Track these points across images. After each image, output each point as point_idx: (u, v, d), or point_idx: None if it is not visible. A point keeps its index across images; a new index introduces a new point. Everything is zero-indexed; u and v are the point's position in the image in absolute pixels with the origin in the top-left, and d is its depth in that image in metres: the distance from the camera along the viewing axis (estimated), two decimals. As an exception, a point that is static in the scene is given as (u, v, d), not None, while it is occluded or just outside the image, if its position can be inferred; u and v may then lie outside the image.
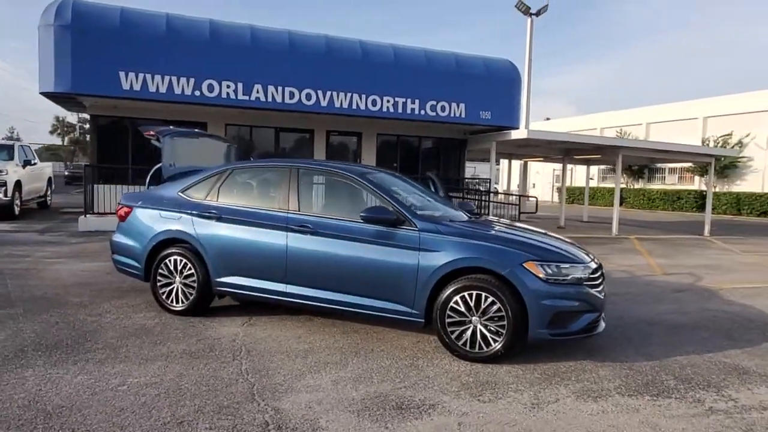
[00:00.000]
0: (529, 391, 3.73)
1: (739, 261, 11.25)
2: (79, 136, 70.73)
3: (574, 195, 38.18)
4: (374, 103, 13.61)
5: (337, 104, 13.21)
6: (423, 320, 4.40)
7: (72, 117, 67.01)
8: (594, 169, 38.59)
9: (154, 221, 5.33)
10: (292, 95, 12.77)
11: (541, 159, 21.80)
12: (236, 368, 3.93)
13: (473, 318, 4.21)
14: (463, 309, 4.23)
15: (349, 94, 13.31)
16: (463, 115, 14.67)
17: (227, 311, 5.46)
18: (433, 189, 9.73)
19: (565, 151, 18.99)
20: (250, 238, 4.90)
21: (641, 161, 20.83)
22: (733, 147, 30.85)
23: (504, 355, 4.18)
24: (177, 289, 5.20)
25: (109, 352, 4.14)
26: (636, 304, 6.59)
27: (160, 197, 5.45)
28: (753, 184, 31.62)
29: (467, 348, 4.24)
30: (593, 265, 4.42)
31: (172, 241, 5.26)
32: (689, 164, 32.62)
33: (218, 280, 5.06)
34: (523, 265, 4.13)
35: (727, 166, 31.66)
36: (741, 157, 30.79)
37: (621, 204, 37.30)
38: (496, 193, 16.70)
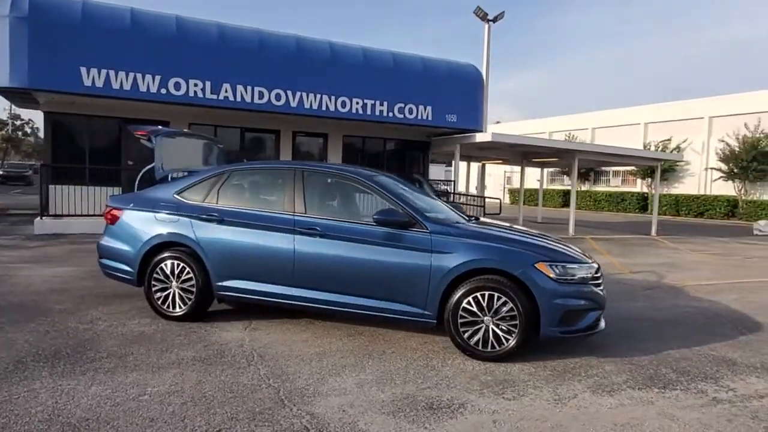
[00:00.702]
0: (547, 387, 3.87)
1: (691, 259, 11.96)
2: (12, 133, 66.70)
3: (524, 196, 39.35)
4: (344, 104, 13.59)
5: (306, 105, 13.10)
6: (435, 321, 4.46)
7: (2, 113, 63.06)
8: (544, 172, 40.03)
9: (148, 224, 5.14)
10: (261, 95, 12.57)
11: (500, 162, 22.38)
12: (255, 374, 3.86)
13: (485, 318, 4.31)
14: (475, 309, 4.32)
15: (318, 95, 13.23)
16: (429, 118, 14.87)
17: (224, 316, 5.34)
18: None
19: (523, 154, 19.59)
20: (255, 241, 4.82)
21: (591, 164, 21.75)
22: (671, 152, 32.66)
23: (514, 353, 4.31)
24: (174, 294, 5.04)
25: (116, 361, 3.97)
26: (614, 302, 6.90)
27: (154, 199, 5.26)
28: (690, 186, 33.61)
29: (479, 347, 4.34)
30: (595, 265, 4.62)
31: (168, 244, 5.09)
32: (632, 168, 34.30)
33: (220, 284, 4.95)
34: (535, 265, 4.27)
35: (666, 169, 33.44)
36: (679, 162, 32.60)
37: (569, 205, 38.90)
38: (461, 194, 17.01)
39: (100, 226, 12.01)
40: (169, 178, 5.79)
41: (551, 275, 4.25)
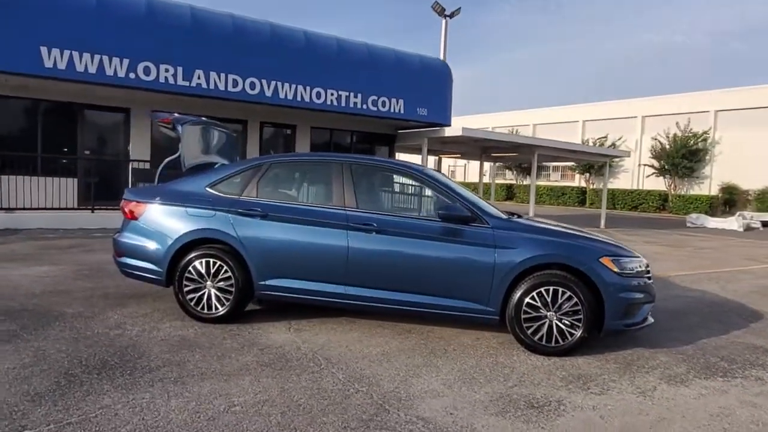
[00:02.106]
0: (623, 380, 3.92)
1: (651, 251, 12.62)
2: None
3: (471, 190, 40.24)
4: (318, 95, 13.25)
5: (281, 95, 12.66)
6: (498, 317, 4.42)
7: None
8: (487, 166, 41.08)
9: (178, 220, 4.75)
10: (235, 83, 12.01)
11: (457, 156, 22.69)
12: (334, 378, 3.66)
13: (548, 313, 4.31)
14: (539, 304, 4.31)
15: (293, 85, 12.82)
16: (402, 111, 14.81)
17: (258, 317, 5.04)
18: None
19: (483, 148, 19.96)
20: (304, 238, 4.56)
21: (546, 159, 22.53)
22: (608, 149, 34.44)
23: (577, 348, 4.34)
24: (209, 295, 4.69)
25: (177, 370, 3.64)
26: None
27: (183, 193, 4.87)
28: (624, 182, 35.61)
29: (543, 342, 4.33)
30: (644, 259, 4.73)
31: (202, 241, 4.73)
32: (572, 163, 35.87)
33: (263, 283, 4.65)
34: (600, 260, 4.31)
35: (603, 165, 35.24)
36: (618, 158, 34.46)
37: (512, 199, 40.12)
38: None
39: (58, 221, 11.17)
40: (185, 170, 5.36)
41: (615, 269, 4.31)
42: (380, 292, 4.51)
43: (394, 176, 4.86)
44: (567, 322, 4.31)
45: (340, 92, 13.56)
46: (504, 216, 4.76)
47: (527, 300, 4.31)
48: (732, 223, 22.78)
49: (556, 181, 39.79)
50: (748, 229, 22.68)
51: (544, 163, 39.93)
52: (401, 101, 14.73)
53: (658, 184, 33.02)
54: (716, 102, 31.18)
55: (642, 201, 32.65)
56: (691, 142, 31.14)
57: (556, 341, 4.32)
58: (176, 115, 5.46)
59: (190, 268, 4.69)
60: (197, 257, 4.68)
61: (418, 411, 3.21)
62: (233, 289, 4.65)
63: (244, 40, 12.12)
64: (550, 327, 4.32)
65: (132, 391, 3.27)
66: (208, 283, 4.69)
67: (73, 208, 11.55)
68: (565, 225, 5.40)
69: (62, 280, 6.14)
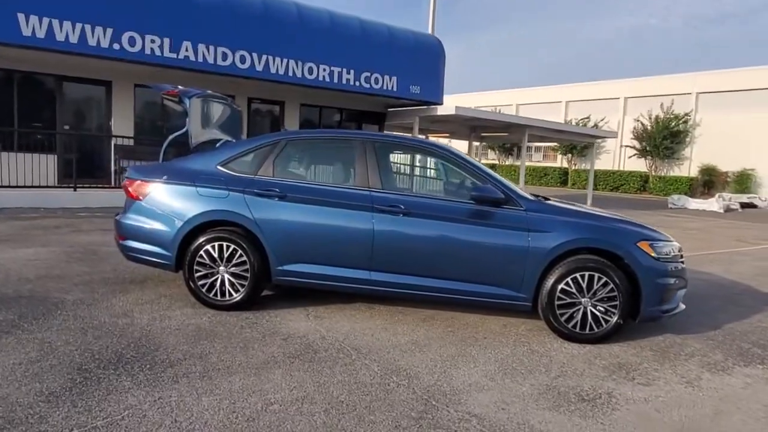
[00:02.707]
0: (665, 369, 3.79)
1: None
2: None
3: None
4: (310, 71, 12.80)
5: (273, 69, 12.17)
6: (530, 304, 4.24)
7: None
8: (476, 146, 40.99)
9: (189, 200, 4.41)
10: (225, 57, 11.48)
11: (446, 135, 22.45)
12: (370, 370, 3.43)
13: (583, 299, 4.15)
14: (574, 290, 4.14)
15: (285, 60, 12.33)
16: (394, 89, 14.44)
17: (271, 303, 4.77)
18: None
19: (472, 128, 19.75)
20: (326, 221, 4.29)
21: (534, 139, 22.46)
22: (595, 129, 34.59)
23: (611, 335, 4.20)
24: (223, 281, 4.40)
25: (200, 363, 3.36)
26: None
27: (193, 171, 4.52)
28: (606, 162, 35.88)
29: (577, 330, 4.17)
30: (677, 243, 4.59)
31: (214, 224, 4.42)
32: (554, 144, 35.96)
33: (281, 268, 4.38)
34: (637, 244, 4.14)
35: (585, 146, 35.40)
36: (601, 138, 34.65)
37: (494, 179, 40.18)
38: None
39: (38, 199, 10.59)
40: (193, 146, 5.00)
41: (652, 254, 4.15)
42: (407, 278, 4.28)
43: (420, 155, 4.59)
44: (602, 309, 4.15)
45: (332, 68, 13.12)
46: (535, 198, 4.55)
47: (561, 286, 4.13)
48: (713, 204, 23.14)
49: (538, 161, 39.94)
50: (728, 210, 23.08)
51: (527, 143, 39.99)
52: (394, 78, 14.35)
53: (639, 165, 33.35)
54: (698, 84, 31.45)
55: (623, 182, 32.98)
56: (673, 123, 31.44)
57: (591, 328, 4.17)
58: (180, 87, 5.06)
59: (202, 252, 4.38)
60: (209, 241, 4.36)
61: (468, 406, 3.02)
62: (248, 275, 4.36)
63: (235, 11, 11.56)
64: (585, 314, 4.16)
65: (156, 388, 3.00)
66: (221, 268, 4.39)
67: (53, 186, 10.98)
68: (592, 208, 5.23)
69: (55, 264, 5.75)
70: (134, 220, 4.54)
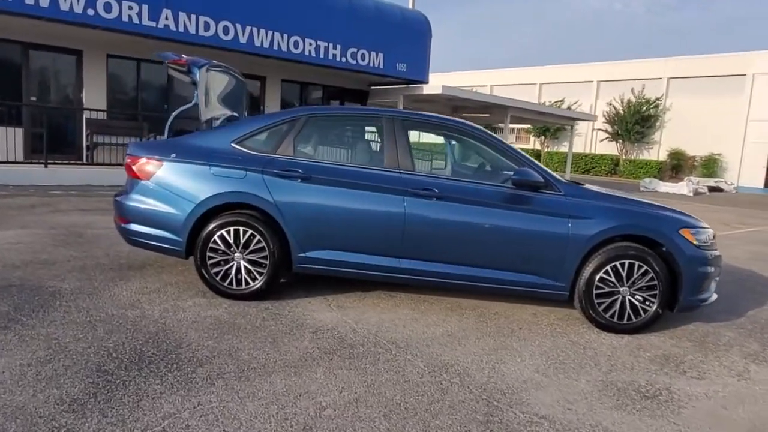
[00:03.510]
0: (711, 361, 3.67)
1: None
2: None
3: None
4: (296, 44, 12.26)
5: (257, 42, 11.60)
6: (568, 293, 4.06)
7: None
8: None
9: (201, 181, 4.03)
10: (207, 26, 10.85)
11: (425, 115, 22.16)
12: (415, 367, 3.19)
13: (622, 288, 3.99)
14: (613, 279, 3.98)
15: (270, 32, 11.76)
16: (381, 66, 14.03)
17: (288, 291, 4.46)
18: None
19: (454, 108, 19.53)
20: (353, 204, 3.98)
21: (514, 121, 22.38)
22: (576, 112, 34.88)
23: (649, 325, 4.07)
24: (239, 269, 4.06)
25: (233, 362, 3.05)
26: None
27: (205, 149, 4.13)
28: (577, 145, 36.24)
29: (615, 320, 4.02)
30: (712, 230, 4.48)
31: (230, 206, 4.06)
32: (527, 126, 36.14)
33: (303, 255, 4.07)
34: (680, 231, 4.00)
35: (558, 128, 35.72)
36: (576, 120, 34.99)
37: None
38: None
39: (6, 176, 9.85)
40: (210, 123, 4.60)
41: (694, 242, 4.02)
42: (439, 266, 4.04)
43: (452, 135, 4.32)
44: (640, 298, 4.01)
45: (318, 42, 12.61)
46: (572, 183, 4.35)
47: (600, 275, 3.96)
48: (682, 187, 23.69)
49: (511, 143, 40.05)
50: (697, 193, 23.68)
51: (500, 125, 40.13)
52: (381, 55, 13.93)
53: (610, 148, 33.87)
54: (669, 69, 31.96)
55: (594, 165, 33.47)
56: (644, 108, 31.95)
57: (629, 318, 4.02)
58: (184, 56, 4.60)
59: (215, 237, 4.02)
60: (224, 225, 4.01)
61: (532, 407, 2.81)
62: (267, 262, 4.03)
63: (217, -22, 10.91)
64: (623, 303, 4.01)
65: (192, 392, 2.68)
66: (237, 254, 4.05)
67: (21, 162, 10.25)
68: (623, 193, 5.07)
69: (40, 248, 5.27)
70: (139, 201, 4.13)
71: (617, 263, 3.96)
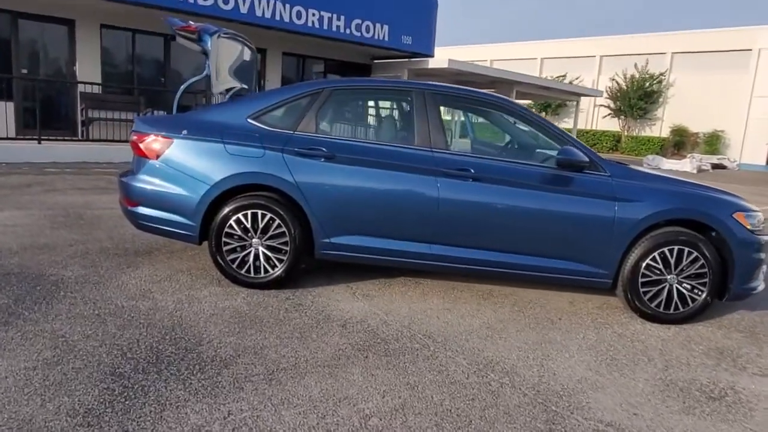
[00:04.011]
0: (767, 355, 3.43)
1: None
2: None
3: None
4: (299, 15, 11.74)
5: (258, 12, 11.09)
6: (611, 281, 3.79)
7: None
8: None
9: (216, 160, 3.70)
10: (206, -5, 10.32)
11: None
12: (458, 365, 2.92)
13: (669, 276, 3.72)
14: (660, 266, 3.70)
15: (272, 2, 11.24)
16: (386, 38, 13.53)
17: (306, 279, 4.17)
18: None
19: (457, 83, 19.03)
20: (382, 186, 3.66)
21: (523, 96, 21.92)
22: (581, 87, 34.34)
23: (696, 314, 3.82)
24: (257, 255, 3.76)
25: (260, 361, 2.77)
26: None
27: (219, 125, 3.78)
28: (579, 121, 35.80)
29: (661, 309, 3.76)
30: (761, 213, 4.19)
31: (247, 188, 3.73)
32: (528, 101, 35.59)
33: (327, 240, 3.76)
34: (733, 215, 3.71)
35: (559, 104, 35.21)
36: (582, 95, 34.52)
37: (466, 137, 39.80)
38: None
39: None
40: (215, 94, 4.24)
41: (748, 226, 3.74)
42: (474, 252, 3.74)
43: (488, 111, 3.99)
44: (688, 286, 3.74)
45: (322, 13, 12.09)
46: (616, 163, 4.04)
47: (647, 261, 3.69)
48: (686, 164, 23.42)
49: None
50: (700, 170, 23.42)
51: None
52: (386, 27, 13.42)
53: (612, 125, 33.44)
54: (673, 44, 31.37)
55: (596, 141, 33.07)
56: (647, 83, 31.44)
57: (675, 308, 3.76)
58: (191, 22, 4.21)
59: (231, 221, 3.70)
60: (240, 208, 3.69)
61: (594, 412, 2.55)
62: (287, 248, 3.73)
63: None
64: (670, 292, 3.74)
65: (219, 398, 2.40)
66: (255, 240, 3.74)
67: (13, 138, 9.81)
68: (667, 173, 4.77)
69: (38, 231, 4.94)
70: (147, 182, 3.79)
71: (665, 249, 3.67)
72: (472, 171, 3.65)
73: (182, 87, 4.23)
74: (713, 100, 29.79)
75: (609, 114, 33.09)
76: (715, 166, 25.76)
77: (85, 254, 4.35)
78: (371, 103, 4.16)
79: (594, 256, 3.72)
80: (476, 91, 3.98)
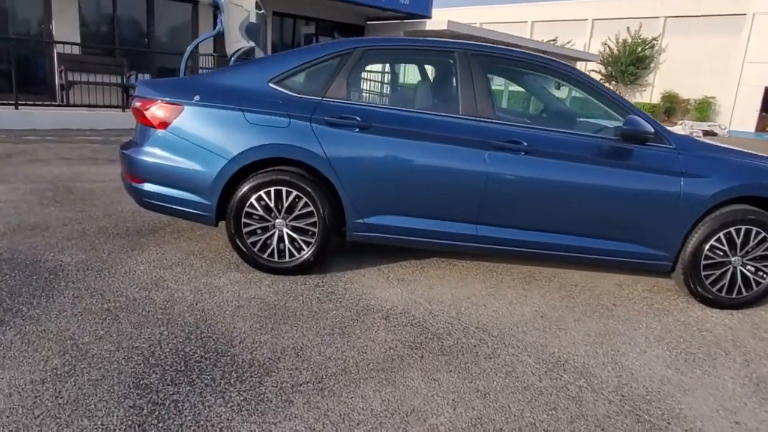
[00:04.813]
0: (843, 343, 3.17)
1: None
2: None
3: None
4: (292, -30, 10.99)
5: (250, -33, 10.30)
6: (671, 264, 3.47)
7: None
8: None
9: (234, 130, 3.24)
10: (193, -53, 9.53)
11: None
12: (526, 365, 2.59)
13: (734, 258, 3.42)
14: (725, 248, 3.39)
15: (263, -44, 10.44)
16: (383, -3, 12.84)
17: (333, 263, 3.78)
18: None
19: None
20: (425, 160, 3.25)
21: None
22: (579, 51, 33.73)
23: (759, 299, 3.54)
24: (281, 237, 3.35)
25: (305, 365, 2.40)
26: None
27: (237, 90, 3.30)
28: (569, 87, 35.40)
29: (723, 294, 3.47)
30: None
31: (270, 162, 3.30)
32: (519, 66, 34.86)
33: (361, 221, 3.36)
34: (808, 192, 3.39)
35: (550, 69, 34.62)
36: (578, 60, 33.96)
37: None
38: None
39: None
40: (230, 56, 3.74)
41: (823, 204, 3.43)
42: (524, 234, 3.38)
43: (539, 75, 3.58)
44: (752, 269, 3.44)
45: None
46: (684, 135, 3.67)
47: (712, 242, 3.37)
48: (678, 131, 23.32)
49: (499, 85, 38.97)
50: (692, 138, 23.34)
51: (489, 66, 38.76)
52: (383, -15, 12.72)
53: (602, 90, 33.07)
54: (667, 8, 30.84)
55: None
56: (639, 48, 31.01)
57: (738, 292, 3.47)
58: None
59: (252, 200, 3.28)
60: (263, 185, 3.26)
61: (693, 421, 2.25)
62: (316, 230, 3.33)
63: None
64: (734, 275, 3.45)
65: (269, 417, 2.03)
66: (278, 221, 3.33)
67: (-14, 103, 9.10)
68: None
69: (26, 207, 4.45)
70: (154, 156, 3.32)
71: (732, 229, 3.36)
72: (525, 143, 3.25)
73: (190, 47, 3.72)
74: (705, 66, 29.53)
75: (601, 80, 32.67)
76: (705, 133, 25.62)
77: (83, 235, 3.89)
78: (409, 65, 3.71)
79: (655, 236, 3.39)
80: (527, 53, 3.55)
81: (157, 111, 3.29)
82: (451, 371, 2.47)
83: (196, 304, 2.92)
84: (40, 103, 9.67)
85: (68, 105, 10.04)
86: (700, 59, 29.68)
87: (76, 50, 10.34)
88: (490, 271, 3.86)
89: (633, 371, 2.62)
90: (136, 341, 2.49)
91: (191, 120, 3.26)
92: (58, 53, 10.24)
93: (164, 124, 3.29)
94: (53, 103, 10.18)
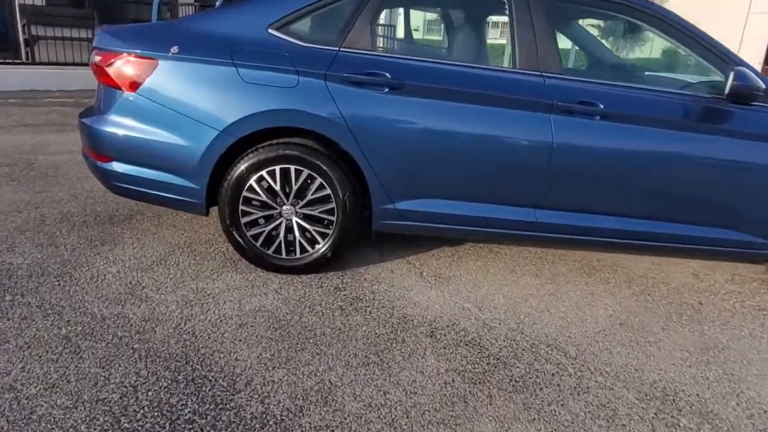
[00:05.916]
0: None
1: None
2: None
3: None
4: None
5: None
6: (770, 253, 2.83)
7: None
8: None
9: (226, 91, 2.47)
10: None
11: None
12: (627, 403, 1.96)
13: None
14: (837, 233, 2.75)
15: None
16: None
17: (351, 255, 3.09)
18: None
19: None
20: (471, 128, 2.53)
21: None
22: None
23: None
24: (289, 228, 2.65)
25: (342, 424, 1.75)
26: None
27: (228, 39, 2.51)
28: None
29: (830, 288, 2.85)
30: None
31: (273, 132, 2.56)
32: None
33: (391, 206, 2.65)
34: None
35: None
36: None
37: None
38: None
39: None
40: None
41: None
42: (594, 219, 2.70)
43: (621, 19, 2.82)
44: None
45: None
46: None
47: (822, 227, 2.72)
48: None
49: (494, 38, 37.63)
50: (695, 93, 22.62)
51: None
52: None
53: (601, 44, 32.03)
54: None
55: (584, 62, 31.81)
56: None
57: None
58: None
59: (252, 182, 2.56)
60: (265, 163, 2.53)
61: None
62: (334, 218, 2.62)
63: None
64: None
65: None
66: (286, 207, 2.62)
67: (-60, 62, 8.10)
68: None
69: (-27, 189, 3.67)
70: (123, 127, 2.56)
71: None
72: (601, 105, 2.53)
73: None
74: (708, 18, 28.46)
75: (599, 35, 31.56)
76: (707, 88, 24.99)
77: (41, 224, 3.15)
78: (448, 5, 2.92)
79: (755, 221, 2.73)
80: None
81: (123, 67, 2.50)
82: (533, 419, 1.83)
83: (185, 324, 2.24)
84: (2, 61, 8.67)
85: (34, 63, 9.04)
86: (704, 12, 28.57)
87: (39, 1, 9.25)
88: (540, 261, 3.20)
89: (764, 406, 2.00)
90: (102, 389, 1.81)
91: (168, 78, 2.49)
92: (19, 4, 9.15)
93: (134, 85, 2.51)
94: (17, 61, 9.16)
